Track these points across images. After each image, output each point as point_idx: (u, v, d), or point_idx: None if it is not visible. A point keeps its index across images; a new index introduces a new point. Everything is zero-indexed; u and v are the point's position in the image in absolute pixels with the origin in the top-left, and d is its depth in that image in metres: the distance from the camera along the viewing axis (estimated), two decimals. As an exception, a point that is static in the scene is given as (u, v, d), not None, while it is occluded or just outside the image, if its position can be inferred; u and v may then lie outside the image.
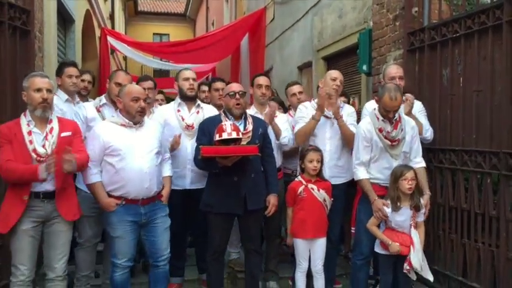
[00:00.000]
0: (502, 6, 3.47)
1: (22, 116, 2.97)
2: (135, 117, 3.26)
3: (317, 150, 3.68)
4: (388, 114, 3.45)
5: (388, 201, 3.40)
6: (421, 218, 3.46)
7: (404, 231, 3.40)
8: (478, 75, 3.78)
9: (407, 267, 3.34)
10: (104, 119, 3.59)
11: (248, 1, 13.23)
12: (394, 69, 4.01)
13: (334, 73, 4.06)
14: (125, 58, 17.63)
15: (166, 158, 3.54)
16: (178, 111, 4.01)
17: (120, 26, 17.62)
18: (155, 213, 3.34)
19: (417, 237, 3.37)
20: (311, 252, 3.67)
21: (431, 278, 3.45)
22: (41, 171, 2.76)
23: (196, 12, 23.98)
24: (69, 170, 2.84)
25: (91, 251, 3.69)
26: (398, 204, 3.36)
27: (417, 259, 3.32)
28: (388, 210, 3.38)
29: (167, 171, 3.50)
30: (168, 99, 5.29)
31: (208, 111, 4.07)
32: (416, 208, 3.39)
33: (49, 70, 4.89)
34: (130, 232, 3.25)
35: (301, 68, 8.65)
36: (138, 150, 3.22)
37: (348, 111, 3.96)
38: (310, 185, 3.62)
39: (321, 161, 3.66)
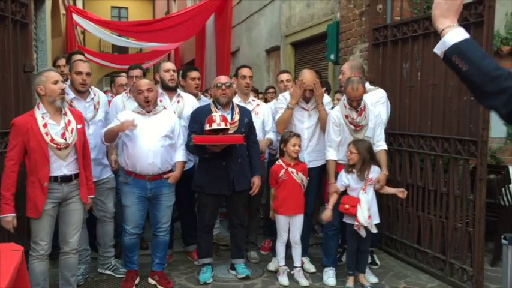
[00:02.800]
0: (456, 12, 4.00)
1: (36, 108, 3.24)
2: (144, 106, 3.77)
3: (298, 136, 4.14)
4: (352, 103, 3.95)
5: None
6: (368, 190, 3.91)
7: (354, 194, 3.90)
8: (434, 70, 4.32)
9: (357, 224, 3.82)
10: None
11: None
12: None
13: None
14: (82, 33, 17.38)
15: (180, 145, 3.96)
16: (161, 101, 4.29)
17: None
18: (160, 190, 3.84)
19: (364, 198, 3.83)
20: (290, 226, 4.15)
21: (374, 230, 3.90)
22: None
23: (156, -14, 23.67)
24: None
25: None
26: (349, 170, 3.87)
27: (362, 216, 3.81)
28: (344, 175, 3.90)
29: (180, 156, 3.95)
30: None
31: (189, 99, 4.42)
32: (363, 177, 3.84)
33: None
34: (137, 203, 3.81)
35: (268, 52, 9.05)
36: (146, 133, 3.73)
37: (325, 101, 4.42)
38: (290, 169, 4.09)
39: (300, 146, 4.13)
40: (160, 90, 4.34)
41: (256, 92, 5.41)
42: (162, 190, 3.85)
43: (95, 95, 4.03)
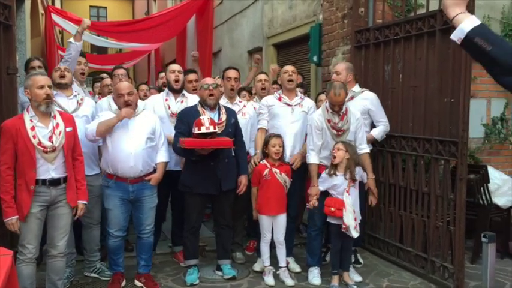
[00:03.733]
0: (436, 15, 4.12)
1: (25, 111, 3.24)
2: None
3: (278, 136, 4.19)
4: (333, 107, 4.01)
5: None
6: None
7: (339, 196, 3.93)
8: (415, 72, 4.43)
9: (344, 226, 3.88)
10: None
11: (194, -19, 13.30)
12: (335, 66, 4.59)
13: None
14: (61, 32, 17.16)
15: (161, 145, 3.96)
16: (166, 100, 4.46)
17: (53, -1, 17.04)
18: (143, 192, 3.83)
19: (349, 201, 3.88)
20: (274, 226, 4.20)
21: (355, 235, 3.92)
22: None
23: (135, -14, 23.50)
24: None
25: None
26: (332, 172, 3.92)
27: (349, 219, 3.86)
28: (326, 176, 3.95)
29: (162, 157, 3.95)
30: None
31: (193, 100, 4.45)
32: (352, 178, 3.89)
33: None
34: (120, 206, 3.80)
35: (251, 52, 9.08)
36: (127, 135, 3.73)
37: (308, 105, 4.48)
38: (274, 169, 4.14)
39: (282, 146, 4.18)
40: (166, 91, 4.50)
41: (250, 92, 5.44)
42: (144, 192, 3.84)
43: (78, 94, 4.10)
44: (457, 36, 1.63)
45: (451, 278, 3.98)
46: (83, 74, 4.83)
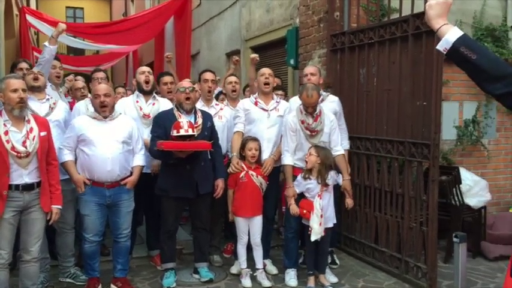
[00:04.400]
0: (408, 21, 4.20)
1: None
2: (99, 111, 3.74)
3: (255, 139, 4.22)
4: (307, 109, 4.06)
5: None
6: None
7: (312, 199, 3.98)
8: (389, 76, 4.51)
9: (310, 229, 3.94)
10: None
11: (172, -17, 13.27)
12: (309, 69, 4.57)
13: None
14: (36, 33, 16.90)
15: (139, 150, 3.95)
16: (137, 102, 4.43)
17: (29, -1, 16.79)
18: (120, 196, 3.81)
19: (318, 205, 3.93)
20: (250, 228, 4.23)
21: (312, 238, 3.95)
22: None
23: (113, -13, 23.29)
24: None
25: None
26: (306, 175, 3.97)
27: (312, 222, 3.91)
28: (301, 179, 4.00)
29: (138, 161, 3.93)
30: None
31: (164, 103, 4.48)
32: (324, 183, 3.95)
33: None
34: (96, 211, 3.77)
35: (229, 55, 9.10)
36: (104, 139, 3.71)
37: (284, 108, 4.51)
38: (250, 172, 4.17)
39: (259, 150, 4.21)
40: (137, 93, 4.47)
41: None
42: (121, 196, 3.83)
43: (51, 97, 4.07)
44: (442, 46, 1.72)
45: (424, 277, 4.06)
46: (58, 77, 4.79)
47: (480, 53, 1.67)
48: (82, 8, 25.65)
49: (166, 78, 4.90)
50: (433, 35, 3.92)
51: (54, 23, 11.32)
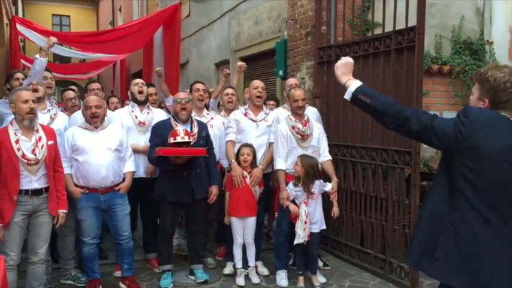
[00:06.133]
0: (391, 36, 4.50)
1: (9, 125, 3.39)
2: (90, 122, 3.97)
3: (248, 145, 4.48)
4: (296, 110, 4.32)
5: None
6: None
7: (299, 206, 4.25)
8: (373, 88, 4.70)
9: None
10: None
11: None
12: (291, 80, 5.09)
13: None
14: (22, 41, 16.93)
15: (128, 157, 4.17)
16: (132, 111, 4.68)
17: (17, 5, 16.81)
18: (114, 201, 4.03)
19: (303, 212, 4.19)
20: (244, 228, 4.46)
21: (295, 242, 4.22)
22: None
23: (100, -5, 23.40)
24: None
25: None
26: (296, 182, 4.20)
27: (297, 227, 4.18)
28: (292, 186, 4.24)
29: (129, 167, 4.16)
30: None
31: (158, 113, 4.75)
32: (308, 191, 4.18)
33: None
34: (93, 216, 3.98)
35: (218, 65, 9.34)
36: (96, 147, 3.93)
37: (273, 117, 4.75)
38: (245, 173, 4.41)
39: (253, 155, 4.45)
40: (132, 103, 4.72)
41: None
42: (116, 201, 4.03)
43: (52, 108, 4.27)
44: (348, 95, 2.24)
45: (407, 277, 4.33)
46: (50, 87, 4.94)
47: (373, 98, 2.15)
48: (68, 16, 25.68)
49: (150, 90, 5.15)
50: (413, 50, 4.25)
51: (43, 32, 11.46)
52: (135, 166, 4.26)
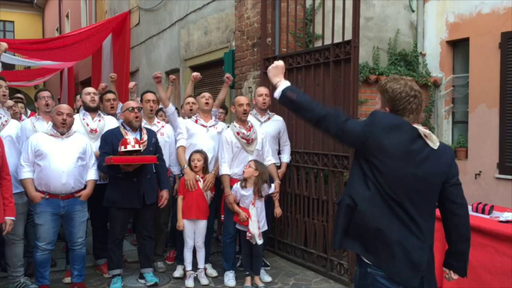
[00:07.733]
0: (330, 49, 4.83)
1: None
2: (59, 127, 4.06)
3: (199, 151, 4.66)
4: (241, 116, 4.57)
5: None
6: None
7: (246, 207, 4.45)
8: (314, 96, 5.07)
9: (249, 235, 4.40)
10: None
11: (110, 0, 13.44)
12: (261, 89, 5.17)
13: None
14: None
15: (92, 165, 4.27)
16: (84, 119, 4.75)
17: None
18: (74, 207, 4.13)
19: (254, 212, 4.41)
20: (195, 231, 4.62)
21: (259, 242, 4.44)
22: None
23: (45, 0, 22.83)
24: None
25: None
26: (243, 184, 4.42)
27: (252, 228, 4.39)
28: (238, 187, 4.46)
29: (91, 175, 4.26)
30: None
31: (109, 120, 4.84)
32: (258, 193, 4.42)
33: None
34: (51, 221, 4.06)
35: (168, 73, 9.44)
36: (59, 154, 4.02)
37: (222, 127, 4.97)
38: (198, 177, 4.59)
39: (204, 161, 4.63)
40: (83, 111, 4.79)
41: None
42: (75, 207, 4.13)
43: (3, 116, 4.28)
44: (277, 93, 2.45)
45: (346, 273, 4.63)
46: (4, 95, 4.95)
47: (299, 94, 2.41)
48: (12, 22, 24.83)
49: (109, 96, 5.23)
50: (350, 62, 4.59)
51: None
52: (97, 175, 4.35)
